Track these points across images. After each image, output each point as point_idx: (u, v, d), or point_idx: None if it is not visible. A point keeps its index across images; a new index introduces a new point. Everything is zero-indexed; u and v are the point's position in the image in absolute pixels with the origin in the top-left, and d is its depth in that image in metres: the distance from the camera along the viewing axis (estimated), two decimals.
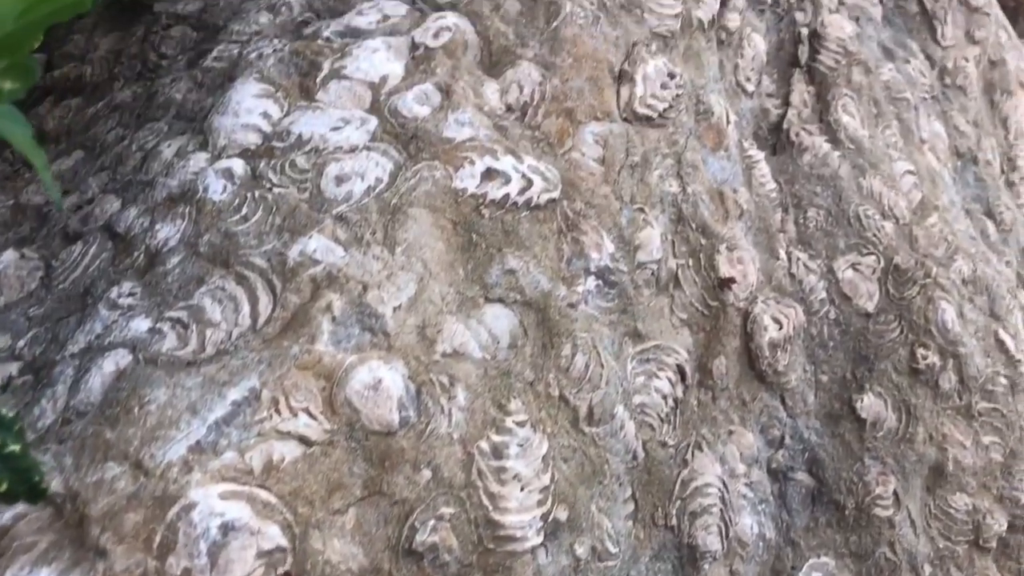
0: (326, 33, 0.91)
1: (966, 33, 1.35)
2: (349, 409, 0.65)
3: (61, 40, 1.20)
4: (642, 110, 0.89)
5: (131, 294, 0.73)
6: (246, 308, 0.70)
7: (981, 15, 1.36)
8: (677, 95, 0.92)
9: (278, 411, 0.64)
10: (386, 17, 0.91)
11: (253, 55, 0.92)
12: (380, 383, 0.67)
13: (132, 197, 0.85)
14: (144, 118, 0.99)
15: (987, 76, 1.38)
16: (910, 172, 1.13)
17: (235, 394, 0.64)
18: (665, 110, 0.91)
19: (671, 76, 0.92)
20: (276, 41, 0.94)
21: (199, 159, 0.83)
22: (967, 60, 1.32)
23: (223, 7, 1.13)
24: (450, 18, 0.90)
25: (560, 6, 0.90)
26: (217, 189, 0.78)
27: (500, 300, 0.76)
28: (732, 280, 0.90)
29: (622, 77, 0.89)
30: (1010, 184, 1.38)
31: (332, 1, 1.01)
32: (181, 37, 1.12)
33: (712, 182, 0.95)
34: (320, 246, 0.72)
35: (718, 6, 1.00)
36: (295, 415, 0.64)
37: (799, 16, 1.19)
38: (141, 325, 0.69)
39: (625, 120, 0.88)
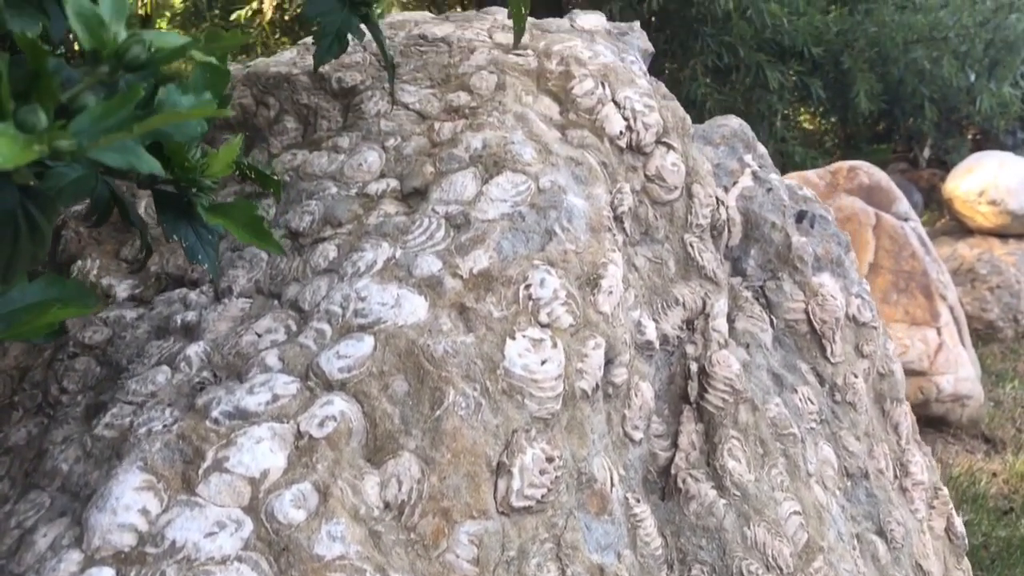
0: (215, 412, 0.93)
1: (855, 347, 1.42)
2: None
3: None
4: (519, 503, 0.91)
5: None
6: None
7: (869, 329, 1.43)
8: (556, 477, 0.95)
9: None
10: (276, 397, 0.94)
11: (142, 430, 0.94)
12: None
13: None
14: (30, 481, 0.99)
15: (877, 387, 1.44)
16: (796, 512, 1.16)
17: None
18: (544, 495, 0.93)
19: (550, 460, 0.95)
20: (168, 412, 0.96)
21: (71, 560, 0.83)
22: (856, 376, 1.38)
23: (129, 342, 1.15)
24: (337, 403, 0.93)
25: (444, 394, 0.94)
26: None
27: None
28: None
29: (500, 470, 0.92)
30: (903, 489, 1.42)
31: (231, 357, 1.04)
32: (84, 371, 1.14)
33: (593, 557, 0.96)
34: None
35: (601, 373, 1.04)
36: None
37: (689, 349, 1.25)
38: None
39: (502, 514, 0.91)
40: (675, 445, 1.17)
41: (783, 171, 5.48)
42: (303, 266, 1.15)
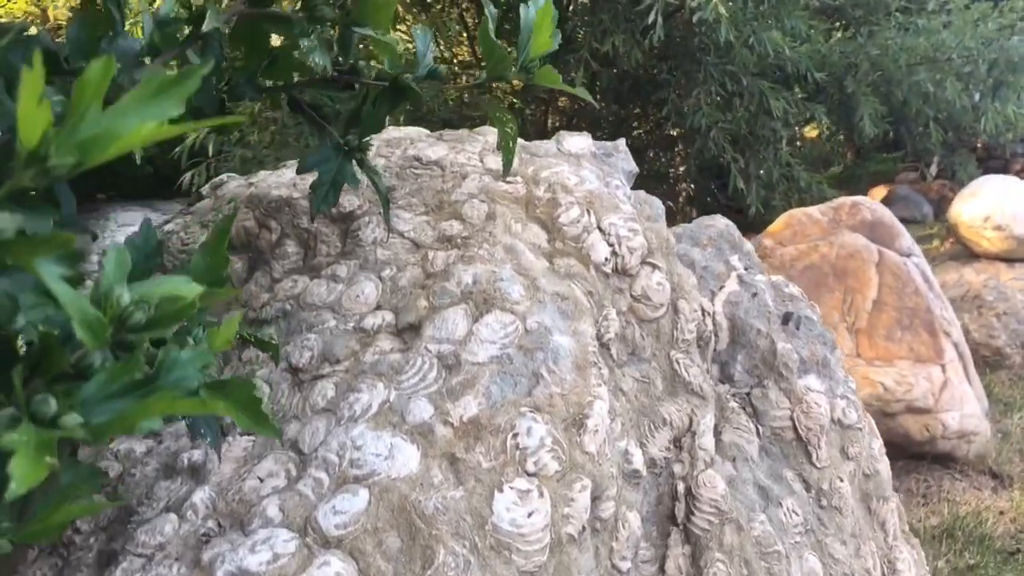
0: (219, 573, 0.99)
1: (841, 450, 1.46)
2: None
3: None
4: None
5: None
6: None
7: (854, 431, 1.48)
8: None
9: None
10: (276, 556, 0.99)
11: None
12: None
13: None
14: None
15: (863, 487, 1.48)
16: None
17: None
18: None
19: None
20: (175, 569, 1.02)
21: None
22: (842, 480, 1.43)
23: (139, 480, 1.21)
24: (334, 564, 0.98)
25: (435, 552, 0.99)
26: None
27: None
28: None
29: None
30: None
31: (235, 504, 1.10)
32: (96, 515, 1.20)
33: None
34: None
35: (588, 514, 1.09)
36: None
37: (677, 468, 1.30)
38: None
39: None
40: (662, 571, 1.21)
41: (788, 199, 5.50)
42: (303, 403, 1.20)
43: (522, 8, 1.24)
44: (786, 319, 1.51)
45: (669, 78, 5.37)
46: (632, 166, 1.53)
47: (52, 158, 0.55)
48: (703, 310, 1.41)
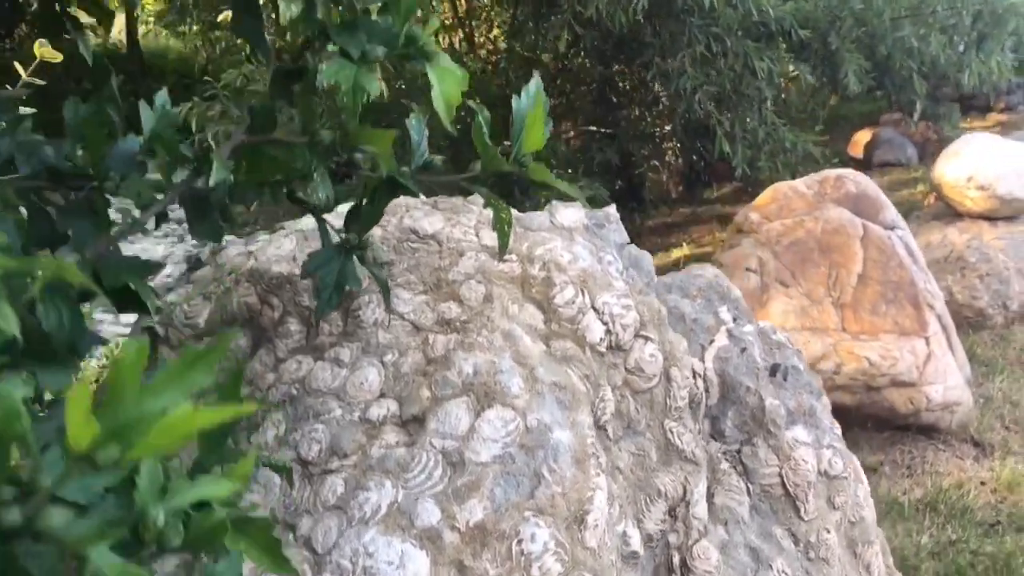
0: None
1: (827, 500, 1.54)
2: None
3: None
4: None
5: None
6: None
7: (840, 481, 1.55)
8: None
9: None
10: None
11: None
12: None
13: None
14: None
15: (849, 534, 1.56)
16: None
17: None
18: None
19: None
20: None
21: None
22: (828, 531, 1.50)
23: None
24: None
25: None
26: None
27: None
28: None
29: None
30: None
31: None
32: None
33: None
34: None
35: None
36: None
37: (672, 538, 1.36)
38: None
39: None
40: None
41: (773, 159, 5.48)
42: (313, 498, 1.26)
43: (514, 100, 1.26)
44: (773, 371, 1.57)
45: (653, 41, 5.34)
46: (624, 237, 1.57)
47: (99, 457, 0.60)
48: (694, 372, 1.47)
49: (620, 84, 6.45)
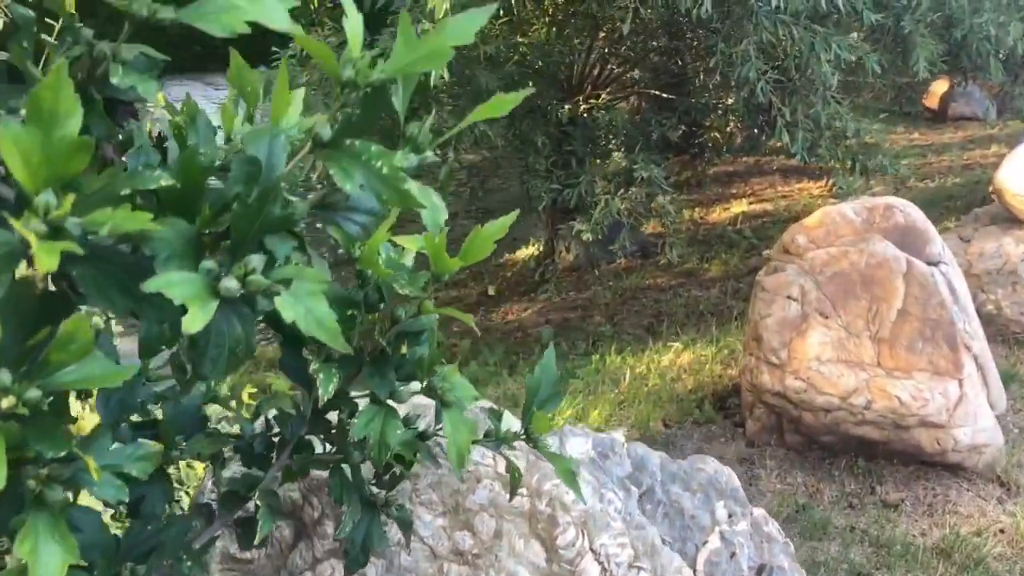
0: None
1: None
2: None
3: None
4: None
5: None
6: None
7: None
8: None
9: None
10: None
11: None
12: None
13: None
14: None
15: None
16: None
17: None
18: None
19: None
20: None
21: None
22: None
23: None
24: None
25: None
26: None
27: None
28: None
29: None
30: None
31: None
32: None
33: None
34: None
35: None
36: None
37: None
38: None
39: None
40: None
41: (835, 144, 5.44)
42: None
43: (527, 377, 1.42)
44: (760, 572, 1.74)
45: (717, 28, 5.28)
46: (627, 469, 1.72)
47: None
48: None
49: (685, 58, 6.40)
